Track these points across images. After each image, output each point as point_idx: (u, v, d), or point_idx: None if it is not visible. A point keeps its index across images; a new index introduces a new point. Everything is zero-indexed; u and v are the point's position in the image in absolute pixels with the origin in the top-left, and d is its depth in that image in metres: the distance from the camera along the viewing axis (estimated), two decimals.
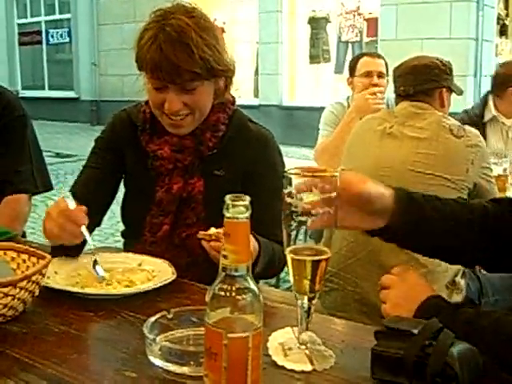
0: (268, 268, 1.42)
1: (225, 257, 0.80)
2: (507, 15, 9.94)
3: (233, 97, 1.65)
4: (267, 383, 0.88)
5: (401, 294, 1.11)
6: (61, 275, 1.37)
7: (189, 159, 1.58)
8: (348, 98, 3.31)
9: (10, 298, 1.10)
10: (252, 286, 0.80)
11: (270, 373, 0.95)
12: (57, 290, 1.27)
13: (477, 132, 2.08)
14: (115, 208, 1.69)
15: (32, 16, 14.62)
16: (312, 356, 0.99)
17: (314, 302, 0.99)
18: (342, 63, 10.22)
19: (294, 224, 0.96)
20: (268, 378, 0.91)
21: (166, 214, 1.57)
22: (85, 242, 1.41)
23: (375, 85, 3.13)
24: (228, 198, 0.80)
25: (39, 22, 14.49)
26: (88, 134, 10.31)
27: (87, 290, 1.30)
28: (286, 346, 1.02)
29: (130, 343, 1.05)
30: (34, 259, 1.27)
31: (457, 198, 1.21)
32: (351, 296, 1.97)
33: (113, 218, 2.67)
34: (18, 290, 1.10)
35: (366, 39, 10.44)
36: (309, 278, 0.97)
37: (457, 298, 1.99)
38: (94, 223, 1.56)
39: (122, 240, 1.75)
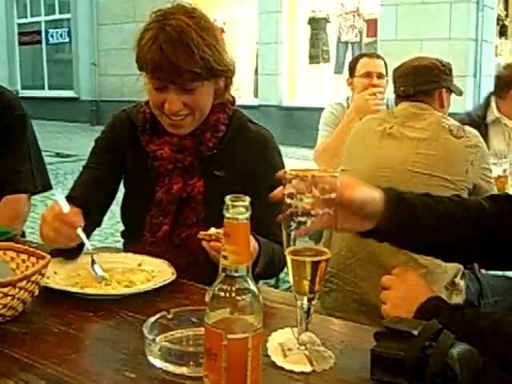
0: (268, 268, 1.42)
1: (225, 257, 0.80)
2: (507, 16, 9.95)
3: (233, 97, 1.65)
4: None
5: (400, 295, 1.11)
6: (60, 275, 1.37)
7: (189, 159, 1.58)
8: (348, 98, 3.31)
9: (9, 298, 1.10)
10: (252, 286, 0.80)
11: (270, 373, 0.95)
12: (56, 290, 1.27)
13: (476, 132, 2.08)
14: (115, 208, 1.69)
15: (32, 16, 14.61)
16: (311, 357, 0.99)
17: (313, 302, 0.99)
18: (342, 63, 10.21)
19: (294, 224, 0.96)
20: (267, 379, 0.91)
21: (165, 215, 1.57)
22: (83, 244, 1.41)
23: (375, 85, 3.13)
24: (228, 198, 0.80)
25: (39, 22, 14.49)
26: (88, 133, 10.31)
27: (87, 290, 1.30)
28: (285, 346, 1.02)
29: (129, 343, 1.05)
30: (33, 259, 1.27)
31: (451, 196, 1.20)
32: (350, 296, 1.97)
33: (113, 218, 2.67)
34: (17, 289, 1.10)
35: (365, 40, 10.43)
36: (308, 278, 0.97)
37: (456, 298, 1.98)
38: (93, 223, 1.56)
39: (122, 240, 1.75)
